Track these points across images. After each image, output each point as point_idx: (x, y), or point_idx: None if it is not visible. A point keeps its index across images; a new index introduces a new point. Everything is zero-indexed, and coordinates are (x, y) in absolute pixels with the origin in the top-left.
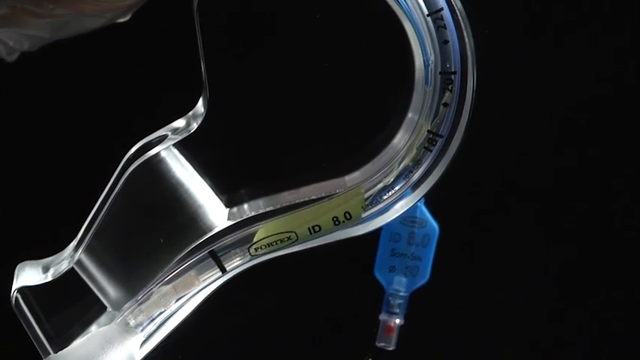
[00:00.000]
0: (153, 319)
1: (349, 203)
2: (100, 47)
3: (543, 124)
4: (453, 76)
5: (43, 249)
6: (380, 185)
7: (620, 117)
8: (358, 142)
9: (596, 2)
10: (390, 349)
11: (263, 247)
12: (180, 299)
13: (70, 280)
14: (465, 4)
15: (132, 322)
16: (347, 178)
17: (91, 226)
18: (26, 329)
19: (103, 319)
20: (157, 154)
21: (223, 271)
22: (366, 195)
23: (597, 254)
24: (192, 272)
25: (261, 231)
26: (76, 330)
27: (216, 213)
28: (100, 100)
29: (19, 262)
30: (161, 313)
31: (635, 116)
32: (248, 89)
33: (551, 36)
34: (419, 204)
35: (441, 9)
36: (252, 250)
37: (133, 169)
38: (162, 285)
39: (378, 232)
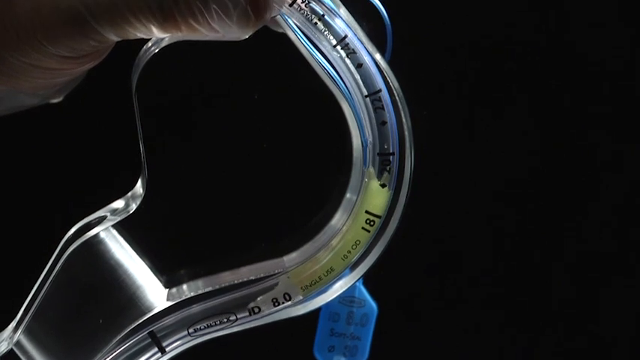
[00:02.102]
0: None
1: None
2: (41, 127)
3: (481, 203)
4: (391, 157)
5: None
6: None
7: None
8: (296, 222)
9: (528, 81)
10: None
11: (202, 327)
12: None
13: None
14: (402, 85)
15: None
16: (285, 258)
17: (31, 307)
18: None
19: None
20: (96, 235)
21: (162, 351)
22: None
23: (537, 331)
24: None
25: None
26: None
27: (155, 293)
28: (39, 180)
29: None
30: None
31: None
32: (187, 170)
33: (487, 118)
34: (357, 284)
35: (380, 90)
36: (191, 330)
37: (72, 250)
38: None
39: (317, 311)
